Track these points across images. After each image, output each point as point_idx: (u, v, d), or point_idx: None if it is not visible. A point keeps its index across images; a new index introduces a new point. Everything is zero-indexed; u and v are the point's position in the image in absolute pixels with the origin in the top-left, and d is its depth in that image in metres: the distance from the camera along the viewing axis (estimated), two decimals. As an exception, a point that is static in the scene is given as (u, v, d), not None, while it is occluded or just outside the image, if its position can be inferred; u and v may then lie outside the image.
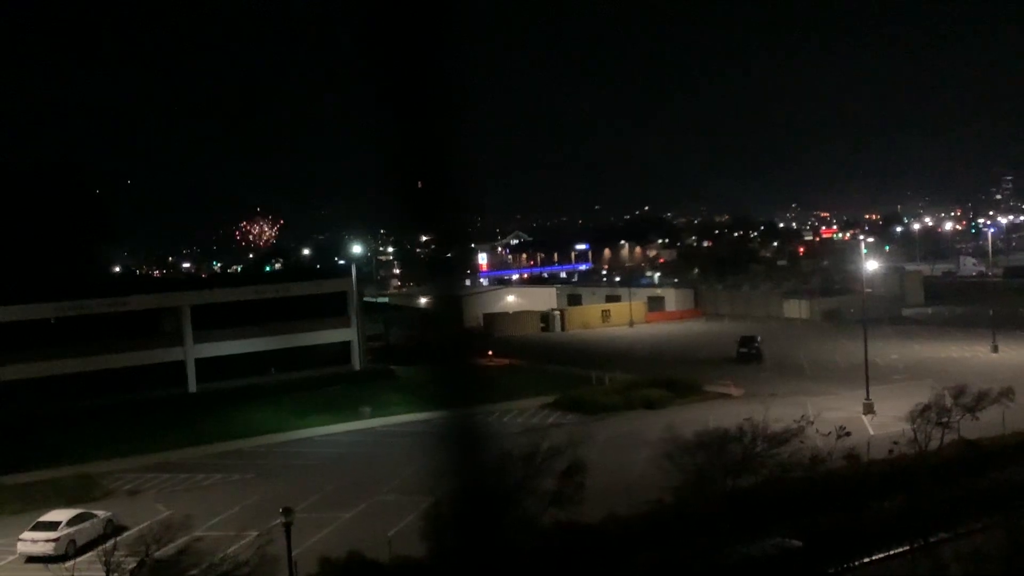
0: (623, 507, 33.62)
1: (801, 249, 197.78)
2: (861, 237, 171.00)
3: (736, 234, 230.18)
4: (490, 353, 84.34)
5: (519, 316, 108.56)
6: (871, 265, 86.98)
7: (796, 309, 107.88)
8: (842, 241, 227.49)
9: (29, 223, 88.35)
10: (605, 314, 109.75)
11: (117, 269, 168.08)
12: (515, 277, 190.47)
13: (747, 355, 76.63)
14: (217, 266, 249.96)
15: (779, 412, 39.84)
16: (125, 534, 34.93)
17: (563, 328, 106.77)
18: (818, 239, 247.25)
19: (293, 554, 28.31)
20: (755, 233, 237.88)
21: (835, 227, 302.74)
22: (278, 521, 29.02)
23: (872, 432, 47.68)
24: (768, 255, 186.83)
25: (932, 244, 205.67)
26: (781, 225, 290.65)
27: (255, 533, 33.02)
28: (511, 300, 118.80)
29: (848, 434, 39.80)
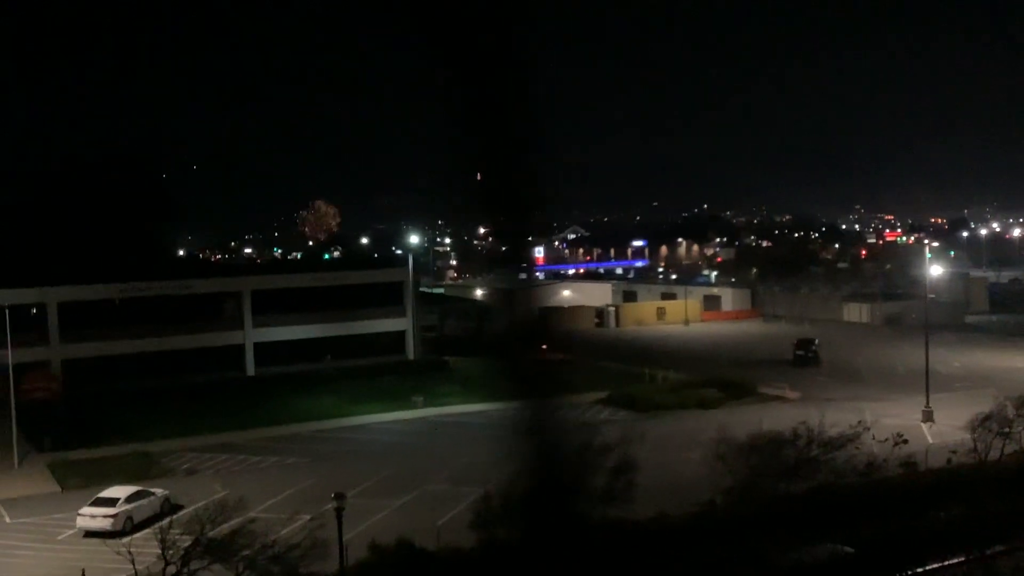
0: (673, 507, 33.46)
1: (863, 252, 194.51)
2: (926, 241, 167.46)
3: (797, 235, 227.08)
4: (544, 347, 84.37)
5: (574, 311, 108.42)
6: (935, 270, 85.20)
7: (856, 313, 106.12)
8: (906, 245, 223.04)
9: (99, 209, 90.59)
10: (660, 312, 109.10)
11: (181, 253, 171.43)
12: (571, 272, 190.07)
13: (804, 358, 75.59)
14: (277, 253, 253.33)
15: (835, 417, 39.24)
16: (181, 512, 35.70)
17: (617, 324, 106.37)
18: (881, 242, 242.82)
19: (344, 539, 28.65)
20: (816, 234, 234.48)
21: (899, 230, 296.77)
22: (330, 506, 29.36)
23: (931, 440, 46.80)
24: (829, 257, 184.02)
25: (999, 250, 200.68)
26: (843, 227, 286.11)
27: (307, 517, 33.53)
28: (566, 295, 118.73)
29: (905, 441, 39.16)
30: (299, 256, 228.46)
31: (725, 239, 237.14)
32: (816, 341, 78.47)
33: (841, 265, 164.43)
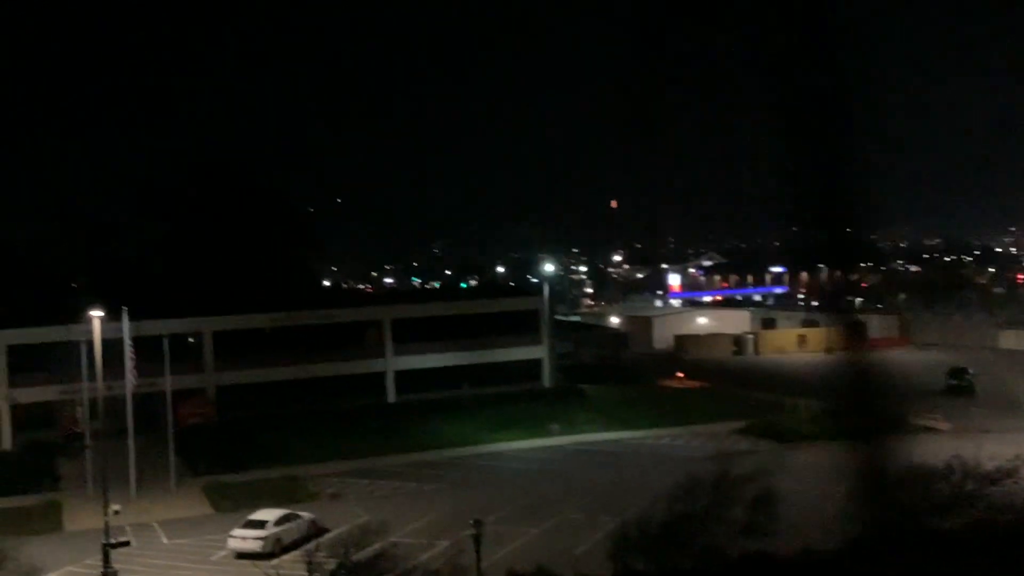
0: (818, 541, 32.40)
1: (1020, 276, 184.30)
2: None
3: (948, 258, 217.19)
4: (681, 375, 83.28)
5: (711, 338, 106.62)
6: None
7: (1014, 340, 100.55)
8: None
9: (249, 241, 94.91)
10: (801, 339, 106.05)
11: (326, 283, 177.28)
12: (707, 299, 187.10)
13: (958, 387, 72.11)
14: (417, 282, 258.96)
15: (992, 449, 37.23)
16: (326, 536, 36.75)
17: (756, 352, 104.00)
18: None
19: (482, 565, 28.93)
20: (969, 258, 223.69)
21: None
22: (468, 532, 29.73)
23: (1099, 476, 43.79)
24: (983, 281, 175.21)
25: None
26: (998, 250, 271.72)
27: (446, 542, 34.04)
28: (703, 322, 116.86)
29: (1071, 477, 36.76)
30: (437, 285, 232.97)
31: (870, 263, 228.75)
32: (970, 370, 74.77)
33: (997, 290, 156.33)
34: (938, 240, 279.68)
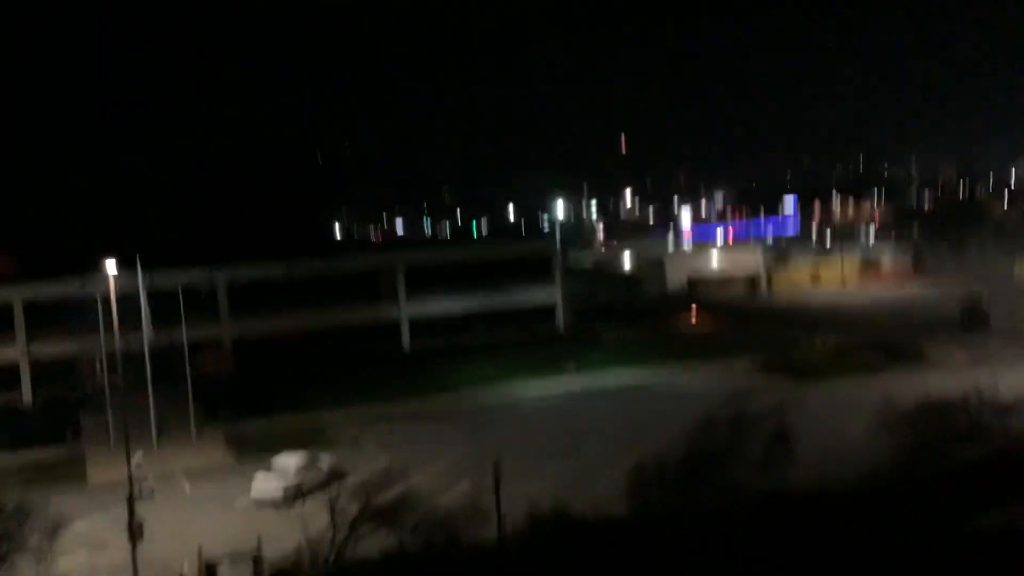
0: (835, 477, 32.56)
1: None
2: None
3: (961, 189, 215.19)
4: (694, 314, 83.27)
5: (724, 277, 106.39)
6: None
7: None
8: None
9: (261, 192, 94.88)
10: (815, 275, 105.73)
11: (336, 228, 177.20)
12: (719, 233, 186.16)
13: (972, 319, 71.87)
14: (428, 224, 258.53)
15: (1008, 380, 37.25)
16: (348, 480, 37.13)
17: (770, 289, 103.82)
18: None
19: (501, 506, 29.19)
20: (983, 189, 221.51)
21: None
22: (487, 474, 29.94)
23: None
24: (998, 212, 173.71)
25: None
26: (1013, 179, 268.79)
27: (466, 484, 34.34)
28: (716, 260, 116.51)
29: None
30: (448, 227, 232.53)
31: (883, 195, 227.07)
32: (985, 301, 74.47)
33: (1012, 220, 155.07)
34: (952, 170, 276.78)
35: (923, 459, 29.78)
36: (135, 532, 31.92)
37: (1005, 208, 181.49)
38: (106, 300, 47.53)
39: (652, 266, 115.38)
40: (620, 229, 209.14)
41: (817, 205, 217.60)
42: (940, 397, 33.00)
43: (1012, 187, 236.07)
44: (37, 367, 62.88)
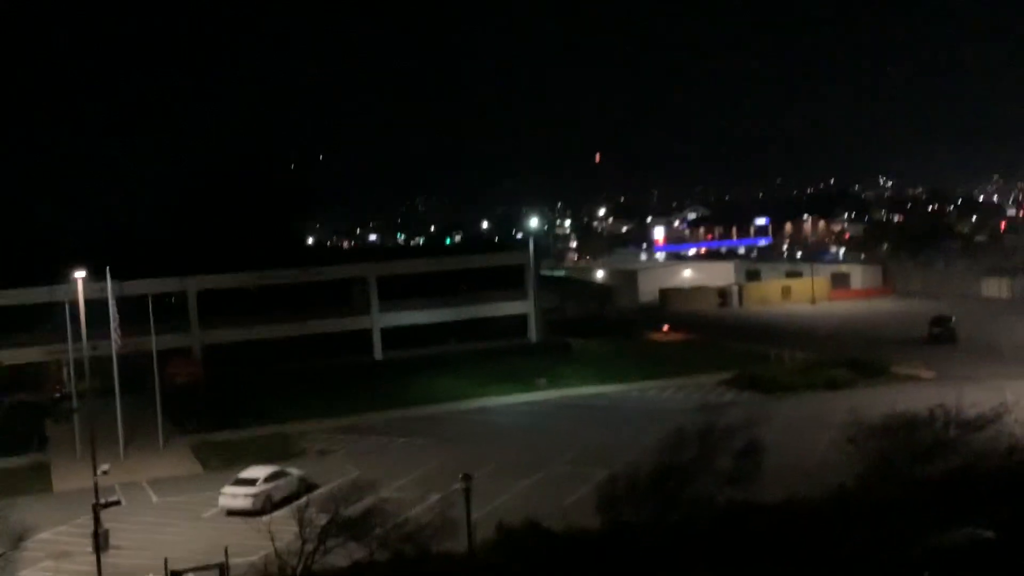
0: (803, 490, 32.84)
1: (1003, 224, 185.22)
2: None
3: (930, 207, 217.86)
4: (666, 328, 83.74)
5: (696, 291, 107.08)
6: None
7: (996, 288, 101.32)
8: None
9: (234, 202, 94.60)
10: (786, 290, 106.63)
11: (310, 241, 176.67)
12: (692, 252, 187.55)
13: (940, 336, 72.74)
14: (401, 238, 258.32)
15: (974, 397, 37.69)
16: (317, 492, 36.99)
17: (741, 304, 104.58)
18: (1022, 213, 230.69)
19: (472, 518, 29.21)
20: (951, 207, 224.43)
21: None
22: (458, 486, 29.96)
23: (1079, 422, 44.41)
24: (966, 230, 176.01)
25: None
26: (981, 198, 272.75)
27: (436, 496, 34.31)
28: (688, 275, 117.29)
29: (1051, 423, 37.23)
30: (421, 241, 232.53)
31: (853, 214, 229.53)
32: (953, 318, 75.44)
33: (979, 238, 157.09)
34: (921, 189, 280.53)
35: (889, 474, 30.09)
36: (100, 541, 31.63)
37: (972, 226, 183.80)
38: (74, 307, 47.15)
39: (625, 279, 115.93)
40: (593, 243, 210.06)
41: (788, 224, 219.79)
42: (907, 413, 33.35)
43: (979, 205, 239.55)
44: (3, 373, 62.17)
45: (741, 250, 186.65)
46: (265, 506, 38.00)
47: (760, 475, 28.95)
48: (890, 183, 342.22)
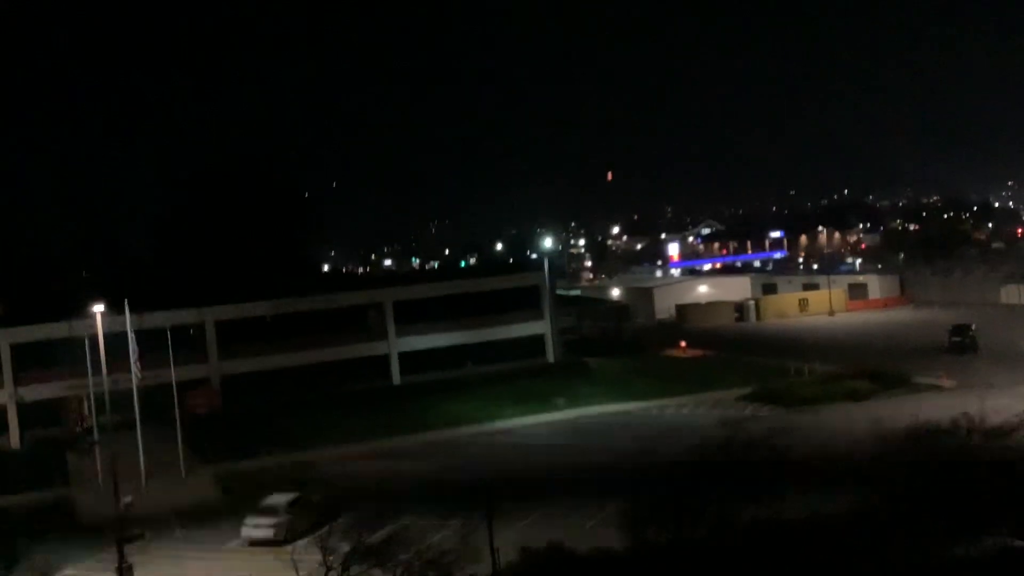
0: (827, 505, 32.56)
1: (1020, 230, 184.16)
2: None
3: (946, 215, 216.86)
4: (683, 344, 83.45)
5: (712, 306, 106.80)
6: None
7: (1016, 295, 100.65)
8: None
9: (248, 228, 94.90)
10: (802, 303, 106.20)
11: (326, 268, 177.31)
12: (707, 267, 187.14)
13: (960, 344, 72.23)
14: (416, 263, 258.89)
15: (997, 405, 37.43)
16: (339, 519, 36.90)
17: (758, 318, 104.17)
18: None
19: (495, 542, 29.10)
20: (967, 214, 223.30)
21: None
22: (480, 511, 29.86)
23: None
24: (982, 237, 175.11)
25: None
26: (997, 205, 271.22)
27: (459, 521, 34.20)
28: (703, 290, 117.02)
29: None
30: (436, 265, 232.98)
31: (869, 224, 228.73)
32: (973, 326, 74.91)
33: (996, 245, 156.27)
34: (936, 197, 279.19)
35: (913, 485, 29.81)
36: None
37: (989, 233, 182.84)
38: (94, 341, 47.46)
39: (641, 296, 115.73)
40: (608, 261, 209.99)
41: (803, 236, 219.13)
42: (929, 422, 33.08)
43: (995, 212, 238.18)
44: (25, 410, 62.49)
45: (756, 264, 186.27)
46: (288, 535, 37.88)
47: (784, 491, 28.74)
48: (907, 192, 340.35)
